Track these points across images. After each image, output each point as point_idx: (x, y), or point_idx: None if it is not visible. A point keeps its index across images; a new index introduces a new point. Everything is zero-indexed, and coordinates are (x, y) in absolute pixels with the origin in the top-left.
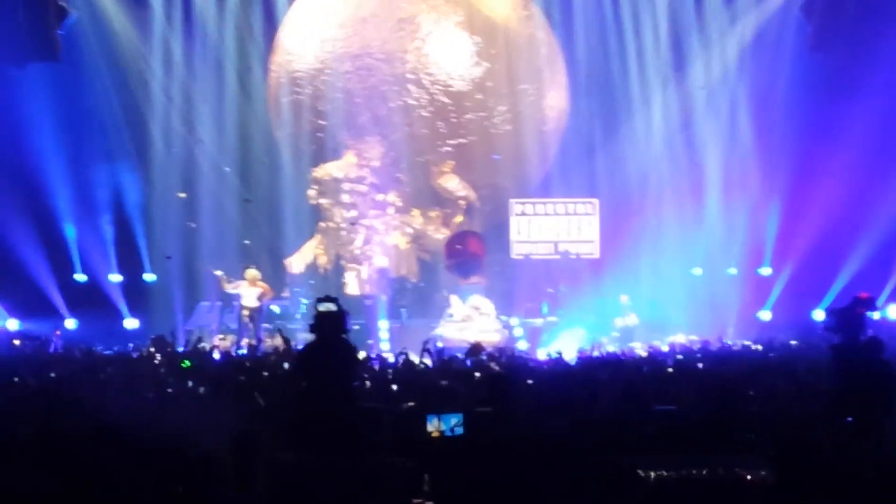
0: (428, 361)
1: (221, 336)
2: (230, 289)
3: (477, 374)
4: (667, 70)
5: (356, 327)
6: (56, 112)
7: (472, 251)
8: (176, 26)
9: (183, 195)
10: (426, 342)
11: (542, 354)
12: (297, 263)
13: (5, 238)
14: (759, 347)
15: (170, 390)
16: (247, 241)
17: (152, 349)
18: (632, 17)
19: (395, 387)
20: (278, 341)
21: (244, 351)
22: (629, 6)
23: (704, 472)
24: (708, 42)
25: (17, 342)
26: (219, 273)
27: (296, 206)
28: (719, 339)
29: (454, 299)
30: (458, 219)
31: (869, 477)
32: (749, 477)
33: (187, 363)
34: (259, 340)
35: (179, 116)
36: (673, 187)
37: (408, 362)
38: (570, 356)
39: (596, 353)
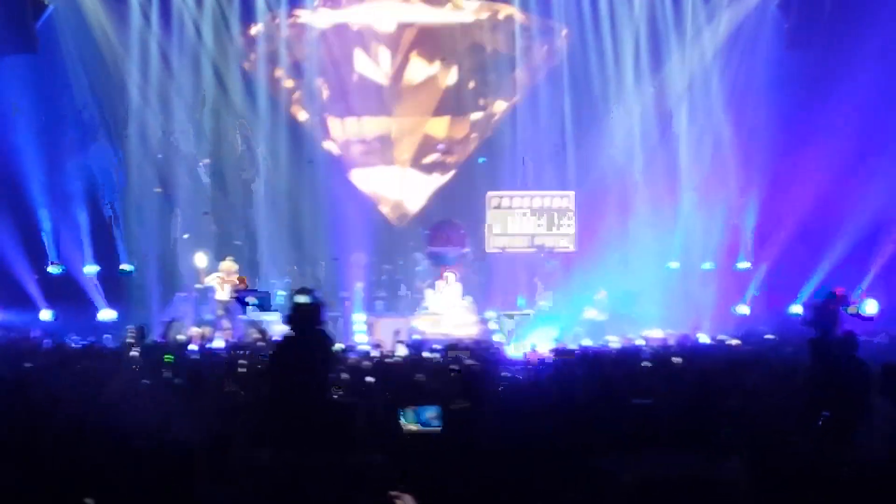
0: (403, 351)
1: (197, 327)
2: (206, 281)
3: (453, 368)
4: (644, 65)
5: (333, 319)
6: (32, 103)
7: (455, 242)
8: (153, 18)
9: (159, 190)
10: (397, 332)
11: (516, 349)
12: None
13: None
14: (736, 342)
15: (146, 381)
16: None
17: (132, 338)
18: (609, 12)
19: (369, 379)
20: (254, 334)
21: (220, 343)
22: (607, 1)
23: (680, 470)
24: (685, 38)
25: None
26: (202, 264)
27: (272, 197)
28: (695, 334)
29: (429, 292)
30: None
31: (844, 473)
32: (724, 477)
33: (170, 357)
34: (236, 330)
35: (156, 107)
36: (650, 182)
37: (383, 355)
38: (546, 349)
39: (571, 347)
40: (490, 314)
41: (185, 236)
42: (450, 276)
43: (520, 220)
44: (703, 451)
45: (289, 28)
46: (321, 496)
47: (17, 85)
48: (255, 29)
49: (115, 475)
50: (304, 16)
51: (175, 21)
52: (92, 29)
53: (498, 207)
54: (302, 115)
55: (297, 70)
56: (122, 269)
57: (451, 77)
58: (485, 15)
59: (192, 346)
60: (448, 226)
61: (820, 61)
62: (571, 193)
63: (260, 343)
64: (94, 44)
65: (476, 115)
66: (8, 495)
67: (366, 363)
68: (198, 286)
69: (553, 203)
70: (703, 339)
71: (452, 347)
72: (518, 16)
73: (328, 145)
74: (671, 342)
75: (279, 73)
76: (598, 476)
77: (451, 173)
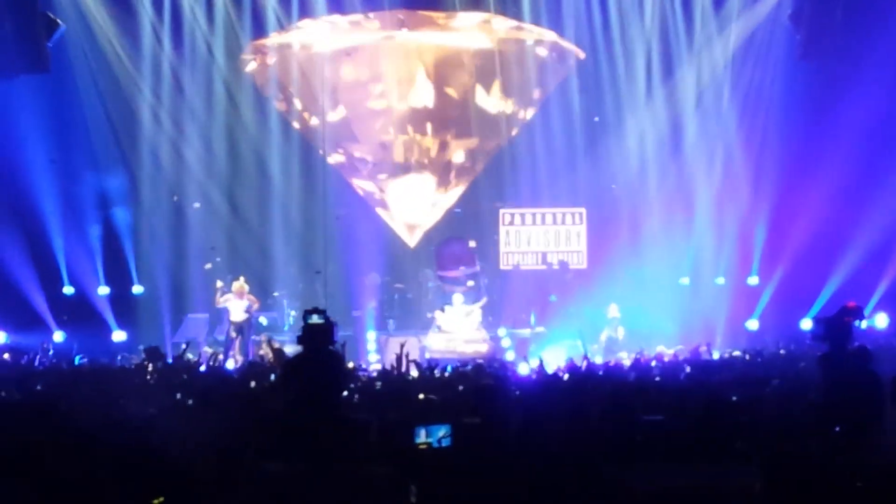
0: (414, 372)
1: (209, 349)
2: (220, 303)
3: (464, 386)
4: (655, 77)
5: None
6: (45, 123)
7: (464, 262)
8: (164, 37)
9: (197, 206)
10: (402, 345)
11: (526, 368)
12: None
13: None
14: (747, 357)
15: (157, 402)
16: (208, 265)
17: (145, 360)
18: (620, 24)
19: (382, 398)
20: (266, 350)
21: (231, 364)
22: (618, 13)
23: (693, 483)
24: (696, 50)
25: (6, 356)
26: (220, 284)
27: (285, 214)
28: (707, 349)
29: (438, 313)
30: None
31: (857, 486)
32: (738, 487)
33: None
34: (247, 354)
35: (168, 127)
36: (661, 196)
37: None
38: (558, 367)
39: (583, 364)
40: (502, 332)
41: (208, 266)
42: (457, 297)
43: (532, 236)
44: (715, 464)
45: (300, 47)
46: None
47: (30, 104)
48: (266, 43)
49: (127, 492)
50: (316, 32)
51: (186, 39)
52: (104, 48)
53: (510, 224)
54: (314, 135)
55: (307, 88)
56: (134, 291)
57: (463, 96)
58: (498, 36)
59: (202, 368)
60: (456, 245)
61: (832, 73)
62: (583, 210)
63: (270, 362)
64: (106, 63)
65: (490, 132)
66: None
67: (378, 382)
68: (220, 303)
69: (565, 219)
70: (715, 354)
71: (464, 365)
72: (534, 32)
73: (339, 164)
74: (683, 357)
75: (290, 94)
76: (610, 487)
77: (462, 191)
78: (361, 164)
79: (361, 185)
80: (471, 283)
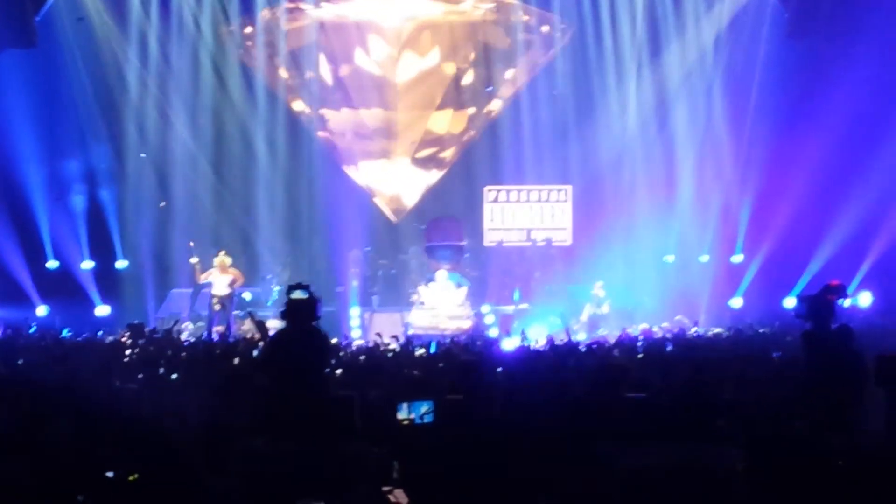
0: (395, 346)
1: (192, 323)
2: (202, 278)
3: (447, 362)
4: (641, 55)
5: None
6: (31, 98)
7: (454, 237)
8: (152, 10)
9: (163, 204)
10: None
11: (511, 343)
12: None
13: None
14: (729, 334)
15: (141, 376)
16: (191, 244)
17: (128, 335)
18: (607, 1)
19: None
20: (248, 326)
21: (214, 338)
22: None
23: (677, 459)
24: (684, 28)
25: None
26: (194, 261)
27: (270, 189)
28: (690, 327)
29: (422, 289)
30: None
31: (839, 465)
32: (720, 465)
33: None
34: (229, 327)
35: (154, 102)
36: (646, 174)
37: (378, 349)
38: (541, 343)
39: (565, 340)
40: (485, 308)
41: (191, 244)
42: (441, 272)
43: (516, 213)
44: (698, 441)
45: (288, 20)
46: (317, 485)
47: (16, 79)
48: (254, 20)
49: (114, 468)
50: (303, 7)
51: (174, 13)
52: (91, 22)
53: (495, 201)
54: (299, 107)
55: (295, 62)
56: (117, 266)
57: (449, 71)
58: (486, 10)
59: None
60: (444, 221)
61: (819, 51)
62: (568, 187)
63: (255, 335)
64: (93, 38)
65: (474, 109)
66: (10, 489)
67: (361, 357)
68: (202, 278)
69: (550, 196)
70: (699, 332)
71: (447, 341)
72: (519, 10)
73: (325, 137)
74: (667, 335)
75: (277, 64)
76: (594, 464)
77: (448, 168)
78: (345, 139)
79: (345, 160)
80: (448, 265)
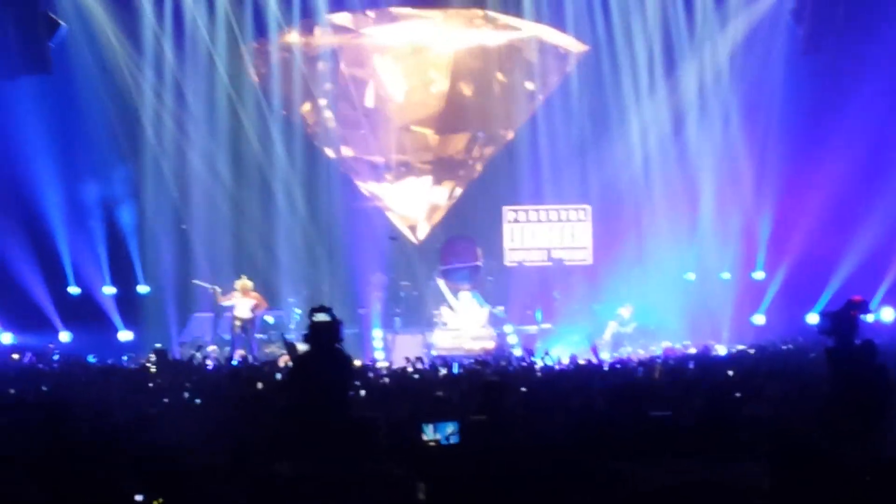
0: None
1: (216, 347)
2: (224, 301)
3: (471, 383)
4: (657, 72)
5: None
6: (48, 124)
7: (468, 257)
8: (166, 36)
9: (184, 227)
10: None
11: (535, 362)
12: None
13: None
14: (752, 351)
15: (165, 401)
16: (183, 226)
17: (152, 360)
18: (622, 20)
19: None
20: (277, 349)
21: (236, 362)
22: (620, 9)
23: (700, 477)
24: (698, 45)
25: (15, 356)
26: (215, 289)
27: (290, 213)
28: (712, 344)
29: (444, 310)
30: None
31: (865, 480)
32: (745, 482)
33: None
34: (252, 351)
35: (172, 124)
36: (665, 192)
37: (402, 370)
38: (565, 362)
39: (589, 359)
40: (508, 328)
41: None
42: (463, 293)
43: (536, 233)
44: (722, 459)
45: (301, 41)
46: None
47: (33, 105)
48: (269, 40)
49: (140, 492)
50: (317, 29)
51: (188, 34)
52: (105, 47)
53: (514, 221)
54: (316, 131)
55: (309, 83)
56: (139, 290)
57: (466, 92)
58: (500, 31)
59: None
60: (459, 241)
61: (833, 68)
62: (587, 207)
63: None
64: (108, 63)
65: (491, 130)
66: None
67: (385, 379)
68: (224, 301)
69: (569, 216)
70: (721, 349)
71: (470, 362)
72: (534, 30)
73: (342, 158)
74: (689, 353)
75: (292, 85)
76: (618, 482)
77: (465, 188)
78: (364, 162)
79: (364, 182)
80: (469, 285)
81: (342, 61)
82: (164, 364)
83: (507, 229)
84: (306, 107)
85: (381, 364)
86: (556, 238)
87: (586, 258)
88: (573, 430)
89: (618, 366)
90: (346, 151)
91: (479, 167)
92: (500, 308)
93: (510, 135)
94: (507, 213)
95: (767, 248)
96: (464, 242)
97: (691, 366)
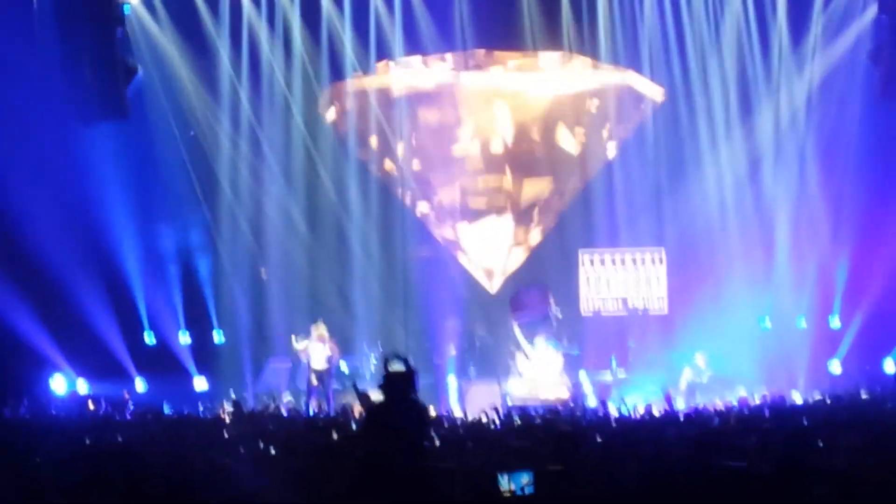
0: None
1: (291, 396)
2: (300, 347)
3: (546, 432)
4: (734, 116)
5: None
6: (124, 169)
7: (540, 307)
8: (243, 81)
9: (265, 274)
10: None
11: (610, 412)
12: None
13: (74, 297)
14: (829, 401)
15: (242, 451)
16: (264, 275)
17: (228, 410)
18: (698, 64)
19: (465, 445)
20: (351, 398)
21: (312, 412)
22: (696, 52)
23: None
24: (774, 88)
25: (91, 406)
26: (295, 336)
27: (365, 258)
28: (789, 393)
29: (519, 358)
30: None
31: None
32: None
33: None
34: (328, 400)
35: (248, 170)
36: (741, 237)
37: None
38: (640, 412)
39: (663, 410)
40: (583, 376)
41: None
42: (539, 339)
43: (611, 280)
44: None
45: (378, 90)
46: None
47: (109, 150)
48: (345, 84)
49: None
50: (394, 76)
51: (265, 79)
52: (182, 93)
53: (590, 265)
54: (392, 177)
55: (386, 127)
56: (215, 338)
57: (543, 137)
58: (578, 76)
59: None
60: (530, 291)
61: None
62: (662, 250)
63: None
64: (184, 108)
65: (569, 175)
66: None
67: (460, 429)
68: (299, 348)
69: (644, 260)
70: (797, 397)
71: (545, 411)
72: (611, 74)
73: (418, 204)
74: (765, 402)
75: (368, 129)
76: None
77: (542, 234)
78: (440, 207)
79: (440, 229)
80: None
81: (419, 105)
82: (239, 415)
83: (583, 274)
84: (382, 151)
85: (457, 414)
86: (632, 284)
87: (663, 308)
88: (648, 479)
89: (693, 415)
90: (422, 197)
91: (556, 213)
92: (575, 348)
93: (587, 179)
94: (583, 256)
95: (844, 294)
96: (535, 291)
97: (767, 415)
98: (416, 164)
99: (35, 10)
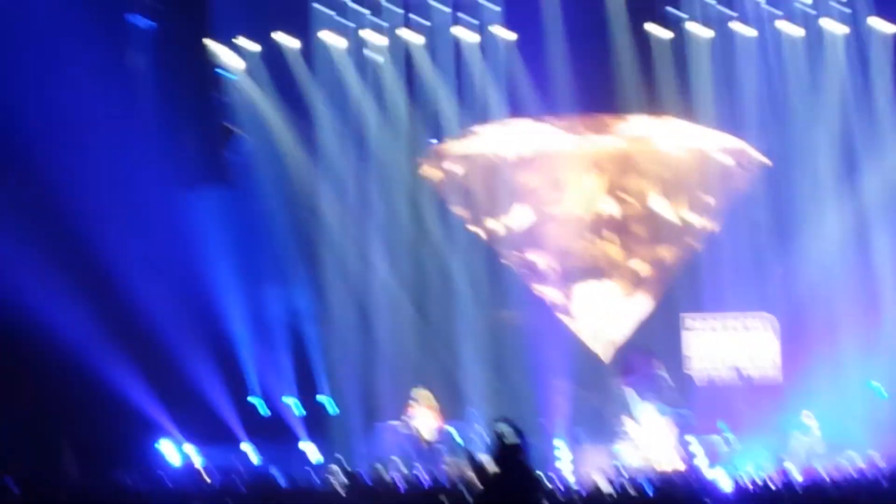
0: (606, 486)
1: (401, 463)
2: (409, 414)
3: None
4: (840, 178)
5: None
6: (230, 232)
7: (646, 368)
8: (345, 144)
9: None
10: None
11: (721, 478)
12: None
13: (183, 363)
14: None
15: None
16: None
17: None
18: (803, 125)
19: None
20: (461, 465)
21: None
22: (799, 113)
23: None
24: (880, 149)
25: (207, 479)
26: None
27: (470, 324)
28: None
29: (628, 420)
30: None
31: None
32: None
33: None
34: (440, 469)
35: (351, 235)
36: (849, 300)
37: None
38: (753, 478)
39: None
40: (691, 440)
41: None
42: (647, 404)
43: (718, 345)
44: None
45: (481, 152)
46: None
47: (215, 215)
48: (445, 150)
49: None
50: (496, 141)
51: (367, 146)
52: (285, 158)
53: (692, 329)
54: (496, 241)
55: (488, 194)
56: (321, 403)
57: (645, 202)
58: (679, 141)
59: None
60: (638, 352)
61: None
62: (771, 316)
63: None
64: (288, 173)
65: (675, 240)
66: None
67: (572, 496)
68: (410, 413)
69: (750, 325)
70: None
71: (659, 480)
72: (715, 140)
73: (524, 268)
74: (881, 469)
75: (471, 195)
76: None
77: (649, 300)
78: (545, 270)
79: (545, 291)
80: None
81: (521, 168)
82: (354, 486)
83: (690, 339)
84: (485, 212)
85: (569, 478)
86: (742, 350)
87: (777, 376)
88: None
89: (809, 484)
90: (529, 258)
91: (663, 278)
92: (685, 410)
93: (692, 245)
94: (691, 322)
95: None
96: (642, 355)
97: (885, 485)
98: (519, 227)
99: (139, 76)
